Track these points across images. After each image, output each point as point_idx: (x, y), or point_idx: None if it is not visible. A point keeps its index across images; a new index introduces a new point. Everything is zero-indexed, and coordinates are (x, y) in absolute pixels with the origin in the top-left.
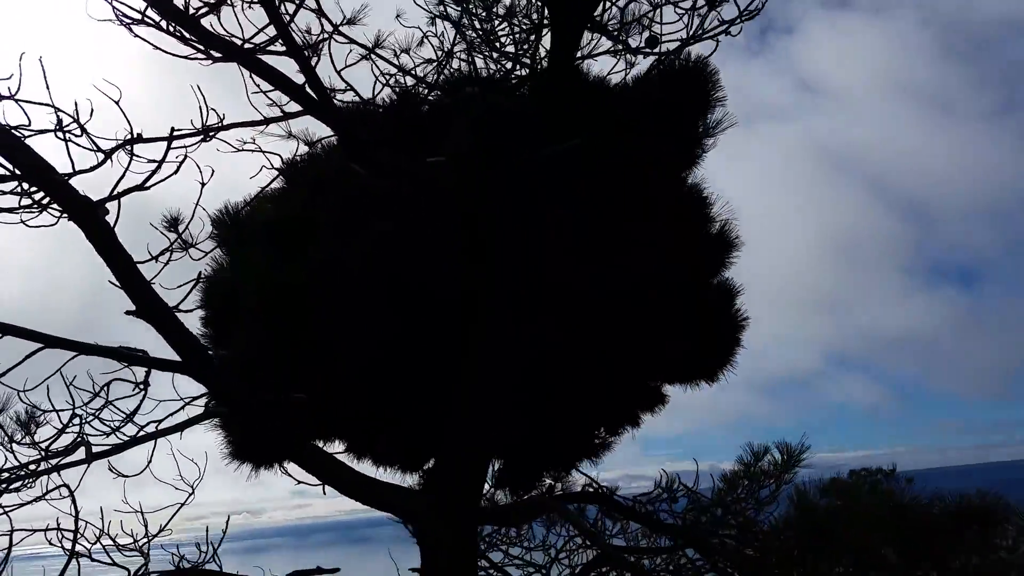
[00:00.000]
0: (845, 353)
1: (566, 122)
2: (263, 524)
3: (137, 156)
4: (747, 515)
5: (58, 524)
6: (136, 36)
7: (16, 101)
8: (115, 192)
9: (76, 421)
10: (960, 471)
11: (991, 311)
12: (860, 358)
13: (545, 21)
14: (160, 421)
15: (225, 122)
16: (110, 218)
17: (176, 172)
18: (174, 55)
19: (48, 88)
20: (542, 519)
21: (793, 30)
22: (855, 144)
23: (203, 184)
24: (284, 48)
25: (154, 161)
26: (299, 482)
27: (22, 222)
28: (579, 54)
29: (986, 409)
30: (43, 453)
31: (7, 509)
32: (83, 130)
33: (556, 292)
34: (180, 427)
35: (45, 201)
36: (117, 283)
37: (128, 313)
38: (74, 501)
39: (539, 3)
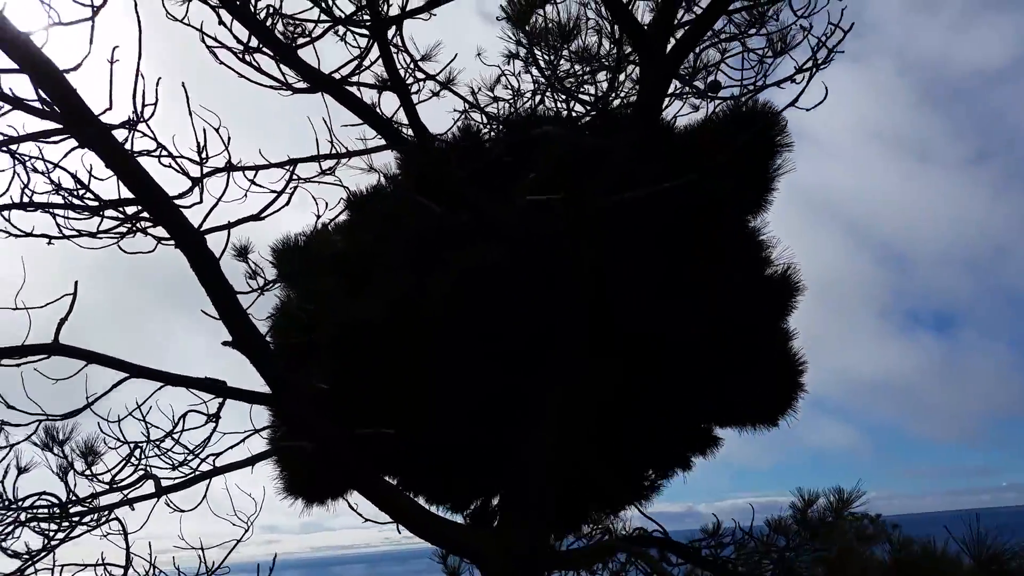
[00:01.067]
0: (821, 397)
1: (647, 163)
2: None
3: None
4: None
5: (102, 558)
6: (220, 63)
7: (133, 127)
8: (231, 222)
9: (138, 453)
10: (934, 518)
11: (966, 357)
12: (836, 402)
13: (631, 63)
14: (218, 454)
15: (304, 154)
16: (214, 247)
17: (288, 203)
18: (256, 83)
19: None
20: (610, 562)
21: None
22: (833, 189)
23: (318, 216)
24: (379, 81)
25: (262, 187)
26: (366, 519)
27: (118, 245)
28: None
29: (961, 454)
30: (108, 486)
31: (50, 543)
32: (172, 156)
33: (630, 333)
34: (251, 461)
35: (140, 223)
36: (212, 314)
37: (225, 344)
38: (126, 535)
39: (627, 50)
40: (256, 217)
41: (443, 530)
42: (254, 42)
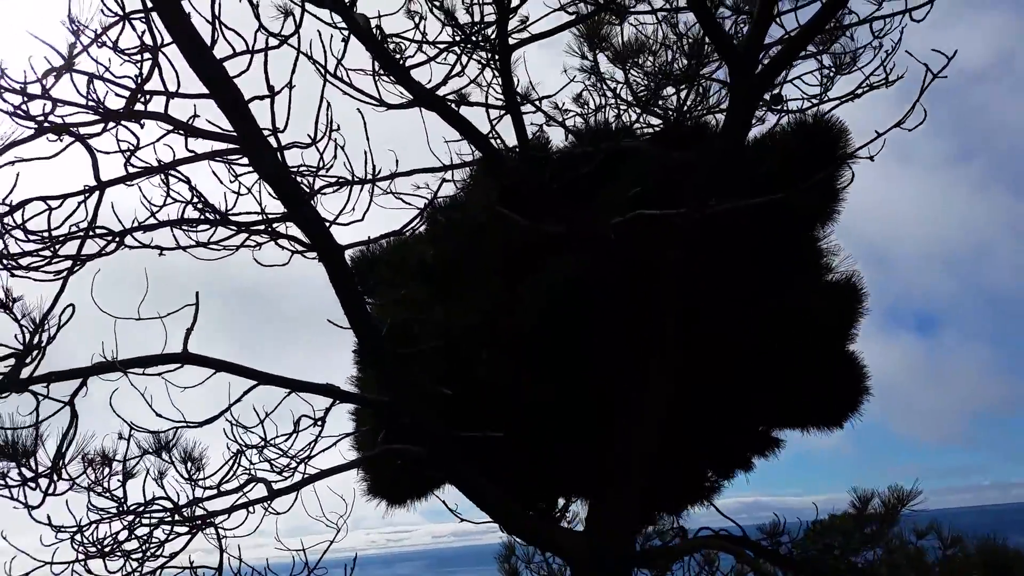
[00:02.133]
0: None
1: (731, 177)
2: None
3: None
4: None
5: (191, 562)
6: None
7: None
8: (371, 237)
9: (246, 457)
10: (919, 516)
11: (948, 357)
12: None
13: (708, 79)
14: (311, 457)
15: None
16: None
17: (421, 220)
18: (354, 98)
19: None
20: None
21: None
22: None
23: (402, 229)
24: (492, 102)
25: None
26: (462, 519)
27: (254, 258)
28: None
29: (944, 453)
30: (216, 491)
31: (147, 544)
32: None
33: (711, 340)
34: (355, 464)
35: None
36: (339, 323)
37: (355, 352)
38: (220, 537)
39: (705, 65)
40: (398, 233)
41: (539, 529)
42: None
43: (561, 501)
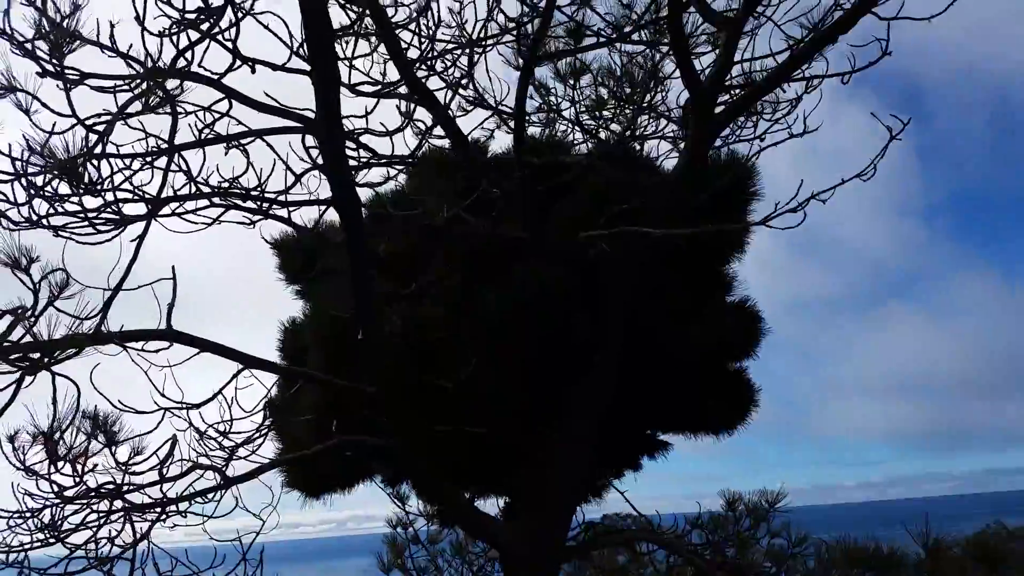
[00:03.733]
0: None
1: (677, 203)
2: None
3: None
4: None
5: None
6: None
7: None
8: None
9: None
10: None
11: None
12: None
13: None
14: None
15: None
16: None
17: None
18: None
19: None
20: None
21: None
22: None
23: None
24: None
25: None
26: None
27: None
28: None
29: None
30: (160, 478)
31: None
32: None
33: (643, 347)
34: (314, 456)
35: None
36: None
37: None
38: (132, 523)
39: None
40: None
41: (480, 520)
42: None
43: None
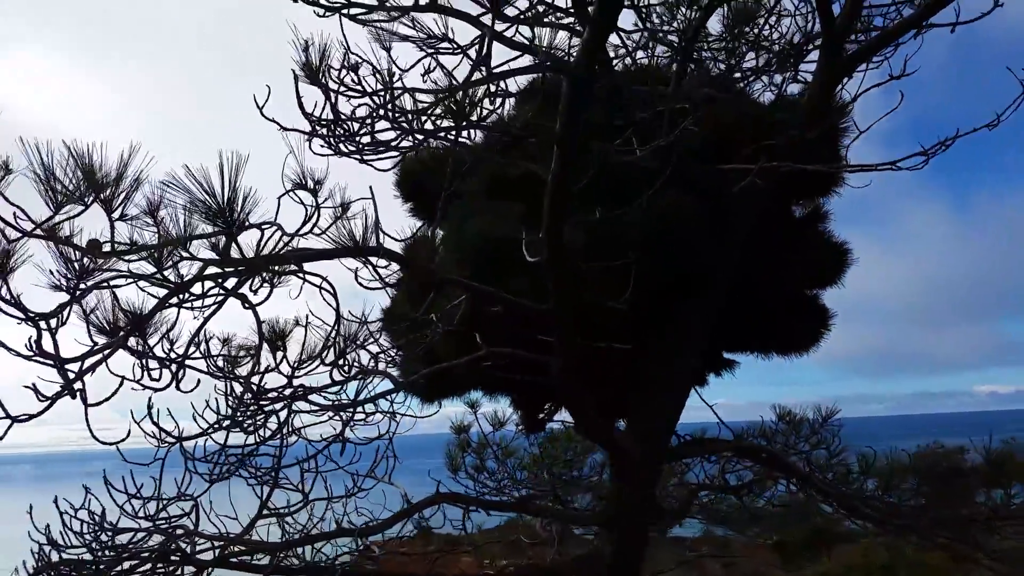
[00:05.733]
0: None
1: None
2: None
3: None
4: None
5: None
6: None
7: None
8: None
9: None
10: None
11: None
12: None
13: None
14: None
15: None
16: None
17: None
18: None
19: None
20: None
21: None
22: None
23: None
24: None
25: None
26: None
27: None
28: None
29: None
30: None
31: None
32: None
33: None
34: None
35: None
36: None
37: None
38: None
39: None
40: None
41: (605, 427)
42: None
43: None
